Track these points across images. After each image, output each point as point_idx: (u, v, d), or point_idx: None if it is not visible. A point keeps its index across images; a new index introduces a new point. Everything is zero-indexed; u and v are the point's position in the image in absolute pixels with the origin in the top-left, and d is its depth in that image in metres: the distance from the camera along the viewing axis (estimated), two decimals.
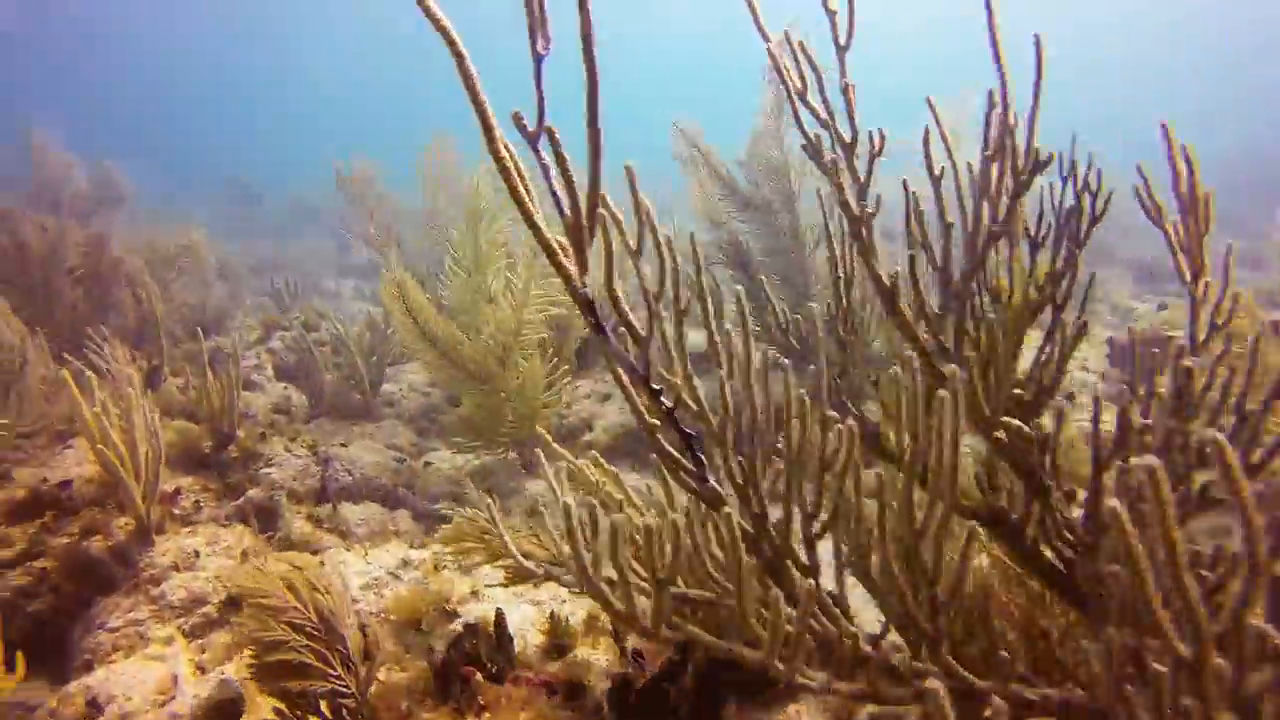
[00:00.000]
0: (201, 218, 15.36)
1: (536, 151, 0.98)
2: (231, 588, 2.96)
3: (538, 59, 0.92)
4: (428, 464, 4.69)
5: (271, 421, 4.99)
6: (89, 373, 3.01)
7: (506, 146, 0.97)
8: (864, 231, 1.51)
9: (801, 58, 1.54)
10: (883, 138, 1.55)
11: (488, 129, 0.95)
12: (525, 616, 2.59)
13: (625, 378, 1.23)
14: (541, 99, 0.95)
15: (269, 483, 3.75)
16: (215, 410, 4.04)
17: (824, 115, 1.57)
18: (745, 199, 5.39)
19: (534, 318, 4.01)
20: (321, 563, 3.07)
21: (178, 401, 4.63)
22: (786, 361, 1.48)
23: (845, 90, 1.56)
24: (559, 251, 1.07)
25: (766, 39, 1.46)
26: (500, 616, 2.24)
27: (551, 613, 2.40)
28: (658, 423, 1.29)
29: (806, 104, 1.57)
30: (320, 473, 4.15)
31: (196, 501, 3.71)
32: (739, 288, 4.97)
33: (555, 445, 2.19)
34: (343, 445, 4.83)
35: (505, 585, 2.56)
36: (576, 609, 2.56)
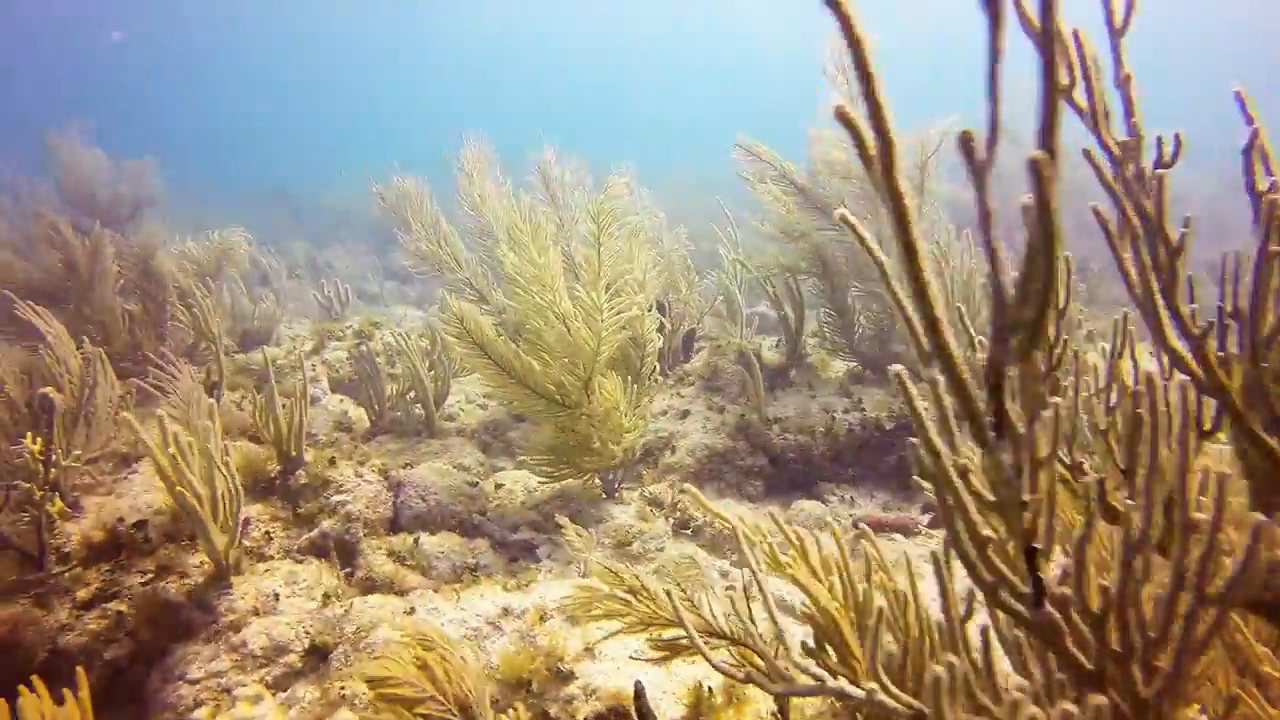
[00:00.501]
0: (237, 220, 15.38)
1: None
2: (317, 638, 2.73)
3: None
4: (499, 485, 4.44)
5: (334, 440, 4.77)
6: (161, 411, 2.78)
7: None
8: (1175, 264, 1.20)
9: (1073, 48, 1.25)
10: (1178, 143, 1.25)
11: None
12: (652, 682, 2.32)
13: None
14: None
15: (344, 514, 3.52)
16: (282, 433, 3.82)
17: (1097, 113, 1.28)
18: (821, 206, 5.09)
19: (613, 338, 3.73)
20: (411, 609, 2.84)
21: (238, 420, 4.43)
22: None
23: (1124, 83, 1.26)
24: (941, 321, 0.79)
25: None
26: (640, 692, 1.97)
27: (697, 684, 2.12)
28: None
29: (1074, 104, 1.28)
30: (392, 499, 3.91)
31: (267, 532, 3.49)
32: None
33: (705, 502, 1.91)
34: (408, 465, 4.60)
35: (637, 636, 2.29)
36: (709, 673, 2.29)
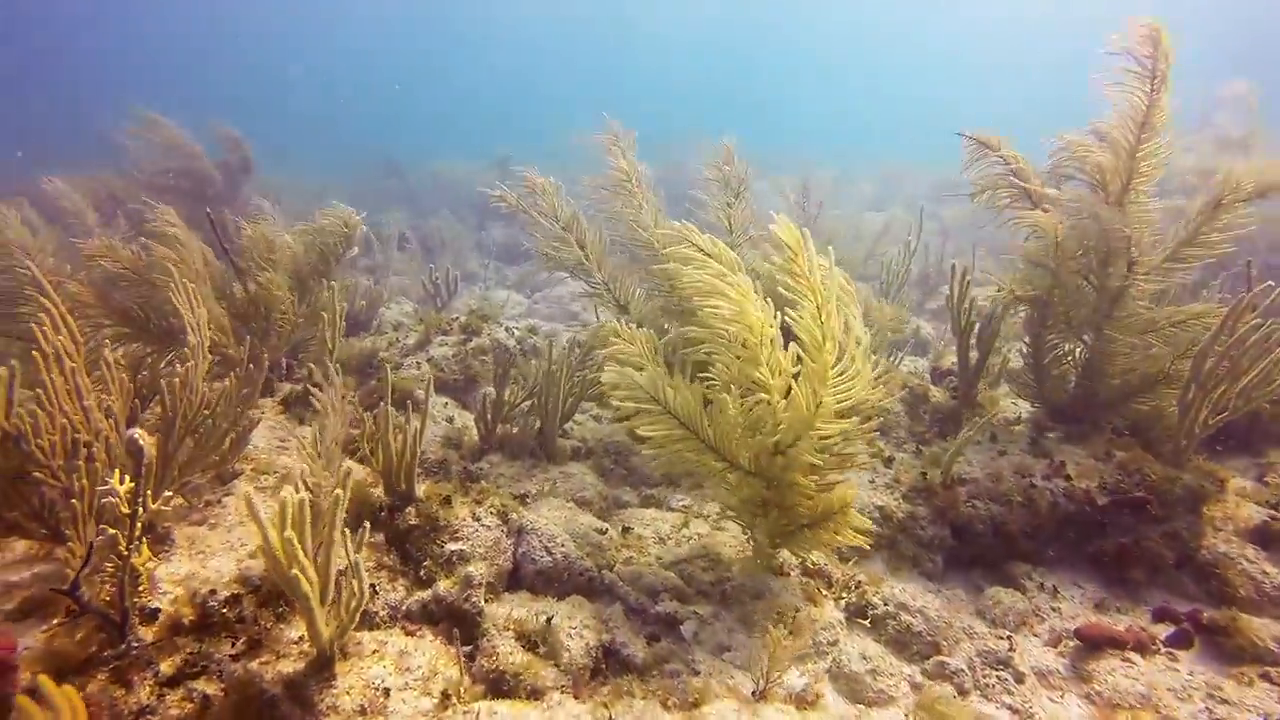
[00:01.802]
0: (348, 189, 15.30)
1: None
2: None
3: None
4: (627, 529, 3.84)
5: (443, 460, 4.26)
6: (289, 460, 2.25)
7: None
8: None
9: None
10: None
11: None
12: None
13: None
14: None
15: (462, 577, 2.97)
16: (392, 464, 3.30)
17: None
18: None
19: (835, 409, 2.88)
20: None
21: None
22: None
23: None
24: None
25: None
26: None
27: None
28: None
29: None
30: (512, 549, 3.36)
31: (373, 585, 2.98)
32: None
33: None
34: (522, 497, 4.05)
35: None
36: None
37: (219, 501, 3.29)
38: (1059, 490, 3.75)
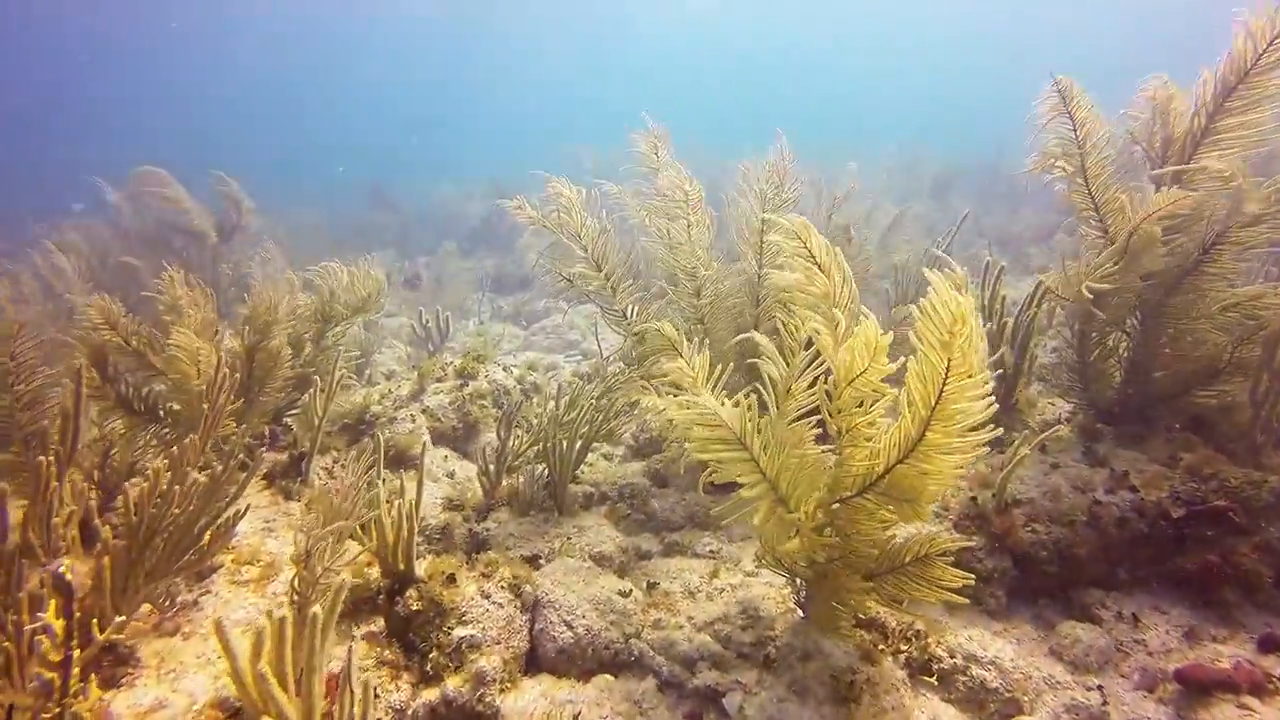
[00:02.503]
0: (337, 223, 14.98)
1: None
2: None
3: None
4: (653, 585, 3.48)
5: (444, 526, 3.90)
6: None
7: None
8: None
9: None
10: None
11: None
12: None
13: None
14: None
15: (474, 673, 2.61)
16: (388, 544, 2.95)
17: None
18: None
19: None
20: None
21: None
22: None
23: None
24: None
25: None
26: None
27: None
28: None
29: None
30: (528, 624, 3.00)
31: (375, 690, 2.62)
32: None
33: None
34: (534, 559, 3.69)
35: None
36: None
37: (195, 603, 2.93)
38: (1126, 504, 3.37)
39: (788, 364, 2.61)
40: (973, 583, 2.48)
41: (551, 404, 4.87)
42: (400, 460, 4.71)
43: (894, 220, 8.14)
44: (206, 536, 2.90)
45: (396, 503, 2.94)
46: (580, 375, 6.59)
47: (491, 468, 4.21)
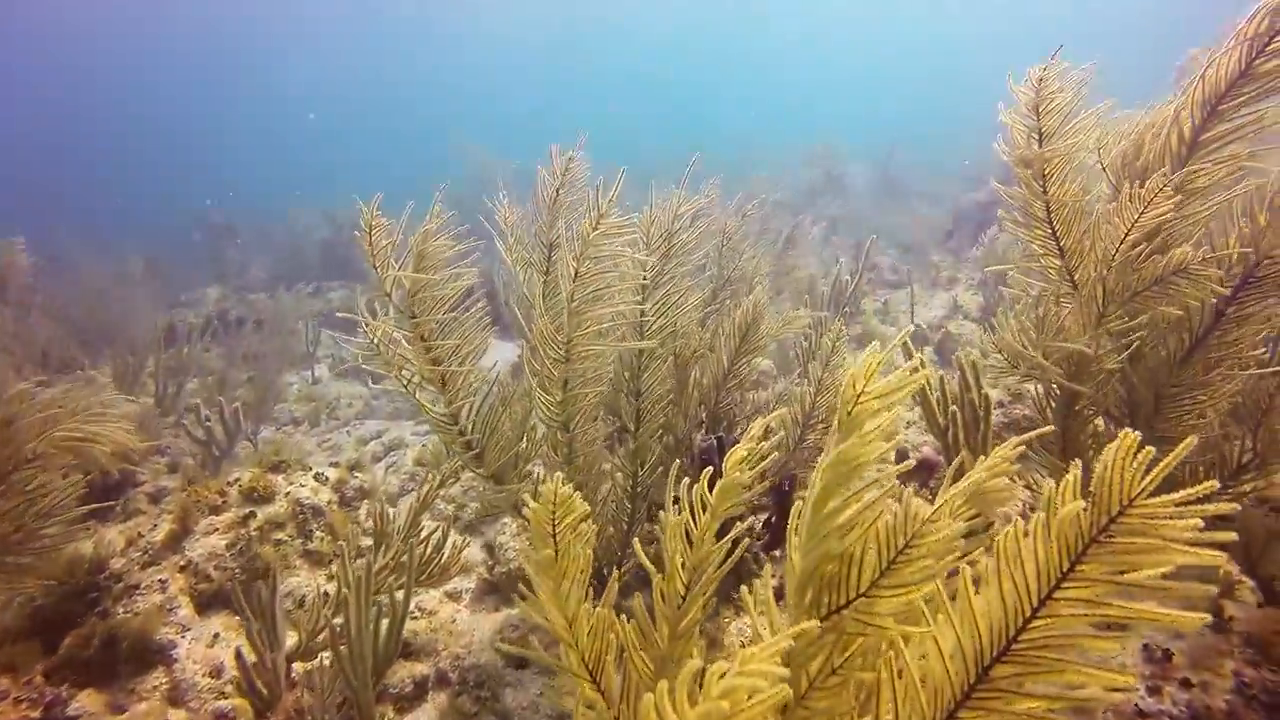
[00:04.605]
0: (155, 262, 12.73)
1: None
2: None
3: None
4: None
5: None
6: None
7: None
8: None
9: None
10: None
11: None
12: None
13: None
14: None
15: None
16: None
17: None
18: None
19: None
20: None
21: None
22: None
23: None
24: None
25: None
26: None
27: None
28: None
29: None
30: None
31: None
32: None
33: None
34: None
35: None
36: None
37: None
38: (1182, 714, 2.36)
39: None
40: None
41: (365, 540, 3.51)
42: (137, 654, 3.24)
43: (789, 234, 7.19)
44: None
45: None
46: (425, 462, 5.21)
47: (262, 680, 2.82)
